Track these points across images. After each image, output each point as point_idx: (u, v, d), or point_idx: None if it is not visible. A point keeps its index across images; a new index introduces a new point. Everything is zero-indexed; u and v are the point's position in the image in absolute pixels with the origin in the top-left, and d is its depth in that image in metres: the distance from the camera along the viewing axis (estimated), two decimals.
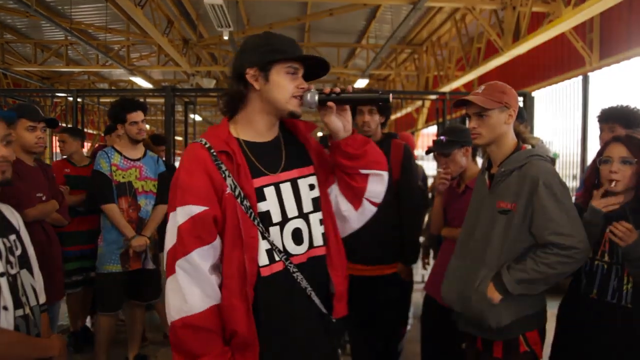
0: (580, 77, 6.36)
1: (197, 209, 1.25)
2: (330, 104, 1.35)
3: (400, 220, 2.66)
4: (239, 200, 1.27)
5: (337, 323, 1.40)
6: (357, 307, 2.83)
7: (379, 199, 1.50)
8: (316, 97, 1.34)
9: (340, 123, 1.39)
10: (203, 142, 1.32)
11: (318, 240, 1.41)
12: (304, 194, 1.40)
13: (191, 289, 1.23)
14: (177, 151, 6.62)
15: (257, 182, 1.32)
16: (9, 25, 9.10)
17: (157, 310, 3.83)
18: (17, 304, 1.41)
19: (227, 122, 1.40)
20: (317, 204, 1.42)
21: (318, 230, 1.41)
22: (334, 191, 1.49)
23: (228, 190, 1.28)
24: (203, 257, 1.25)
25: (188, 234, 1.24)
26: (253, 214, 1.28)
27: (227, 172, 1.28)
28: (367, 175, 1.43)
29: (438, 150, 2.47)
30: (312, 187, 1.43)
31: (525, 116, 3.56)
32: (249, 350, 1.25)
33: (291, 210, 1.36)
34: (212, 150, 1.30)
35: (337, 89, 1.36)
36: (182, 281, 1.23)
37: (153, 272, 3.16)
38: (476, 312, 1.75)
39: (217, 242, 1.28)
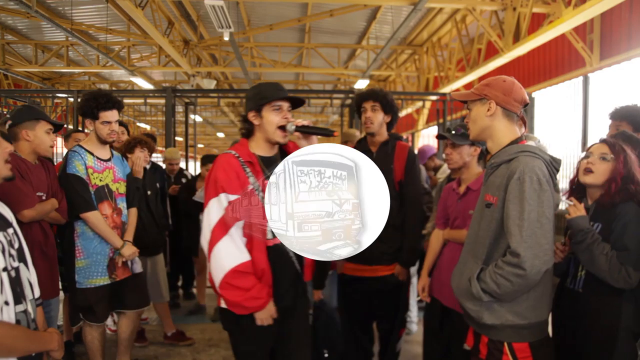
0: (580, 78, 6.36)
1: (233, 197, 1.85)
2: (296, 133, 1.97)
3: (401, 221, 2.67)
4: (257, 192, 1.87)
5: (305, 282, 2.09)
6: (353, 306, 2.85)
7: None
8: (292, 128, 1.96)
9: (307, 144, 1.98)
10: (233, 153, 1.92)
11: None
12: None
13: (237, 247, 1.84)
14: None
15: (266, 182, 1.82)
16: (9, 26, 9.12)
17: (157, 311, 3.83)
18: (18, 299, 1.44)
19: (247, 141, 2.01)
20: None
21: None
22: None
23: (250, 186, 1.87)
24: (238, 228, 1.86)
25: (229, 213, 1.84)
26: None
27: (250, 174, 1.89)
28: None
29: (451, 138, 2.45)
30: None
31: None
32: (265, 277, 1.89)
33: None
34: (240, 159, 1.91)
35: (305, 123, 1.98)
36: (234, 241, 1.83)
37: (139, 276, 2.99)
38: (463, 302, 1.76)
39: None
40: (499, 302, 1.66)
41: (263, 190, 1.83)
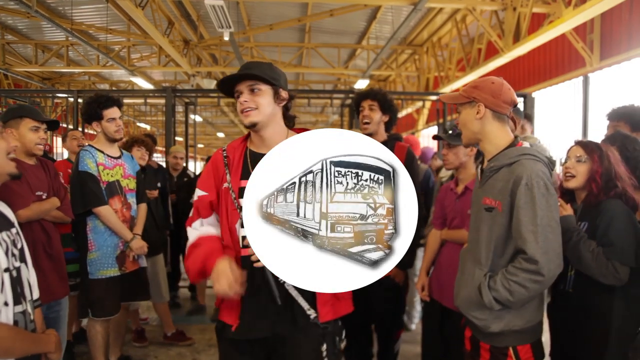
0: (580, 78, 6.36)
1: (201, 192, 1.74)
2: None
3: None
4: (231, 192, 1.67)
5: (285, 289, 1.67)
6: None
7: None
8: None
9: None
10: (223, 148, 1.78)
11: None
12: None
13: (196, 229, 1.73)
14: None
15: (244, 182, 1.61)
16: (10, 26, 9.12)
17: (157, 311, 3.83)
18: (17, 299, 1.44)
19: (248, 135, 1.79)
20: None
21: None
22: None
23: (225, 184, 1.70)
24: (203, 224, 1.74)
25: (195, 207, 1.75)
26: (237, 204, 1.66)
27: (227, 170, 1.70)
28: None
29: (446, 138, 2.47)
30: None
31: (521, 115, 3.56)
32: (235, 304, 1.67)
33: None
34: (225, 154, 1.75)
35: None
36: (195, 229, 1.73)
37: (145, 270, 3.08)
38: (468, 312, 1.74)
39: (212, 218, 1.75)
40: (507, 308, 1.64)
41: (235, 190, 1.66)
